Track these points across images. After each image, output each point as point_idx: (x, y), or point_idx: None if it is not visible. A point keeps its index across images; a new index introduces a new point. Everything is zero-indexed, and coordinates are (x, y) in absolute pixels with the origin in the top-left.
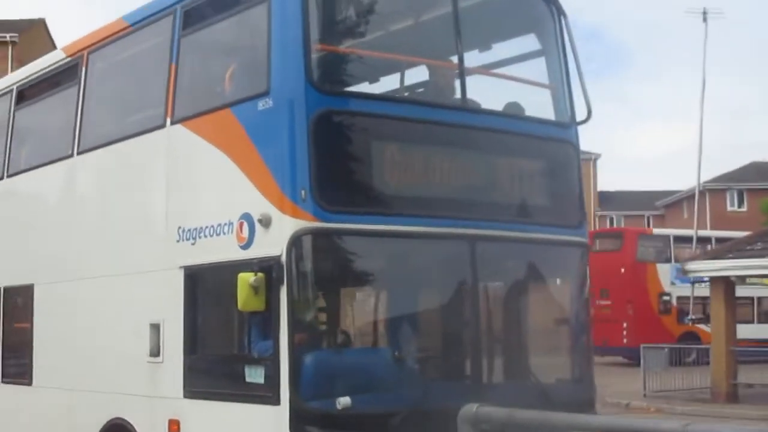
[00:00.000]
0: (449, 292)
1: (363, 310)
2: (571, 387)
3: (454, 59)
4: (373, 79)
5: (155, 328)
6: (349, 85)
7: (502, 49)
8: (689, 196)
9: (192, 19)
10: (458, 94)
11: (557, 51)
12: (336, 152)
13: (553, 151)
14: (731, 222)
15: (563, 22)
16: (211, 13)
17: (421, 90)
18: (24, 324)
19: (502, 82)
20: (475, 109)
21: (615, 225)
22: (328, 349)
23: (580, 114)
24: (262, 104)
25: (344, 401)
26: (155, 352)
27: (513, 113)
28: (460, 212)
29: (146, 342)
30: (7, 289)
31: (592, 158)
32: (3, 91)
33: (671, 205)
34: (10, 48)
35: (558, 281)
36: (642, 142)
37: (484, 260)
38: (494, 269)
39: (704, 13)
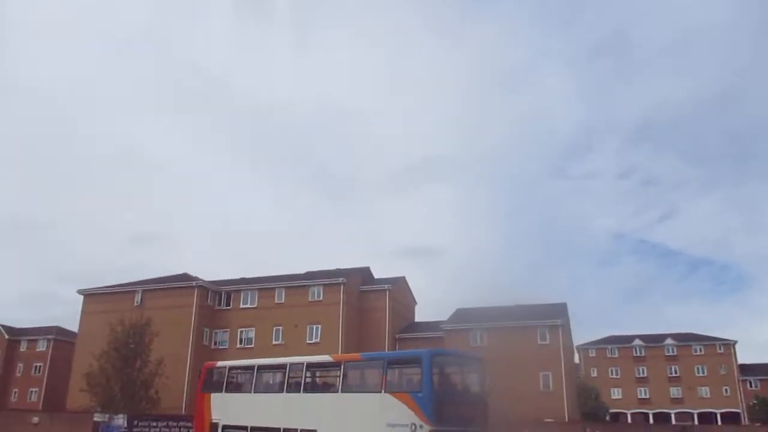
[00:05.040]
0: None
1: None
2: None
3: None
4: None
5: None
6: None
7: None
8: None
9: (391, 364)
10: None
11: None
12: (439, 412)
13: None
14: None
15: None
16: (398, 362)
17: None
18: None
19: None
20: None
21: (752, 387)
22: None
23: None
24: (420, 395)
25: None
26: None
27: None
28: None
29: None
30: (302, 431)
31: (732, 344)
32: (299, 363)
33: None
34: (387, 294)
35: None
36: None
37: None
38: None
39: None
